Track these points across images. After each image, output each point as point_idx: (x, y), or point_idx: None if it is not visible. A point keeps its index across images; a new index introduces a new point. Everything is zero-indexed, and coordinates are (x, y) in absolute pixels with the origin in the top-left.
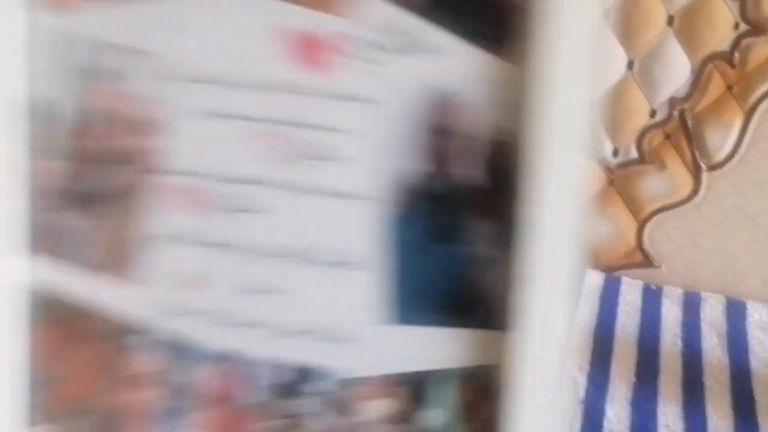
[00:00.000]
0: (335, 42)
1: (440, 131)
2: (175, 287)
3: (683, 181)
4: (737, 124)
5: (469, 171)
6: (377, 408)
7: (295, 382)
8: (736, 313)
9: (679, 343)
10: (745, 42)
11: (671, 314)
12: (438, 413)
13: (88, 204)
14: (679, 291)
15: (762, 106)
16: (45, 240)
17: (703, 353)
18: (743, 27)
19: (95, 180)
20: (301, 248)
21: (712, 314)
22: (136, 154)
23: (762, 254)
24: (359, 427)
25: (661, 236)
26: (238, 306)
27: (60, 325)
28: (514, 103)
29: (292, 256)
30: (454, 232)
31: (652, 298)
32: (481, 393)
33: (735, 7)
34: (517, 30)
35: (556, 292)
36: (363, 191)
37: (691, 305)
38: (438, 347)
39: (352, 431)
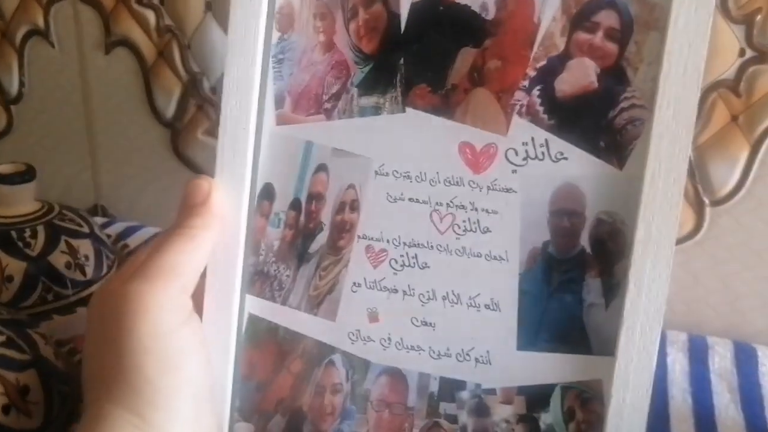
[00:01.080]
0: (492, 151)
1: (562, 213)
2: (358, 321)
3: (685, 216)
4: (743, 156)
5: (582, 241)
6: (506, 411)
7: (446, 391)
8: (746, 361)
9: (689, 399)
10: (751, 69)
11: (678, 365)
12: (552, 416)
13: (296, 259)
14: (684, 336)
15: None
16: (263, 283)
17: (716, 411)
18: (749, 53)
19: (304, 242)
20: (454, 294)
21: (722, 364)
22: (338, 224)
23: None
24: (492, 426)
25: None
26: (404, 335)
27: (271, 346)
28: (617, 194)
29: (447, 300)
30: (570, 284)
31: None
32: (585, 402)
33: (740, 32)
34: (622, 144)
35: (647, 330)
36: (504, 254)
37: (698, 353)
38: (554, 367)
39: (486, 429)
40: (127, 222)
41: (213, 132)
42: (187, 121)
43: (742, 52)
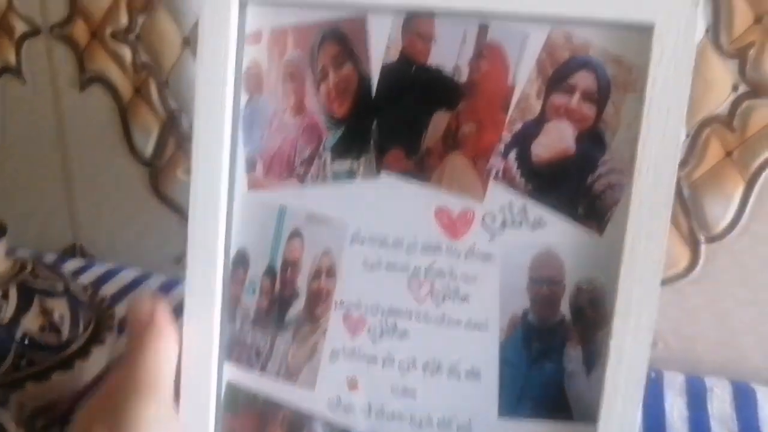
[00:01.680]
0: (469, 216)
1: (542, 280)
2: (338, 389)
3: (680, 254)
4: (738, 192)
5: (562, 309)
6: None
7: None
8: (745, 404)
9: None
10: (744, 104)
11: (676, 410)
12: None
13: (273, 327)
14: (681, 378)
15: (765, 174)
16: (241, 351)
17: None
18: (743, 88)
19: (281, 310)
20: (434, 362)
21: (721, 408)
22: (315, 292)
23: (766, 330)
24: None
25: (657, 313)
26: (385, 403)
27: (251, 414)
28: (597, 261)
29: (427, 368)
30: (550, 353)
31: (653, 388)
32: None
33: (733, 66)
34: (601, 209)
35: (629, 398)
36: (484, 321)
37: (697, 397)
38: None
39: None
40: (106, 264)
41: None
42: (166, 160)
43: (735, 87)
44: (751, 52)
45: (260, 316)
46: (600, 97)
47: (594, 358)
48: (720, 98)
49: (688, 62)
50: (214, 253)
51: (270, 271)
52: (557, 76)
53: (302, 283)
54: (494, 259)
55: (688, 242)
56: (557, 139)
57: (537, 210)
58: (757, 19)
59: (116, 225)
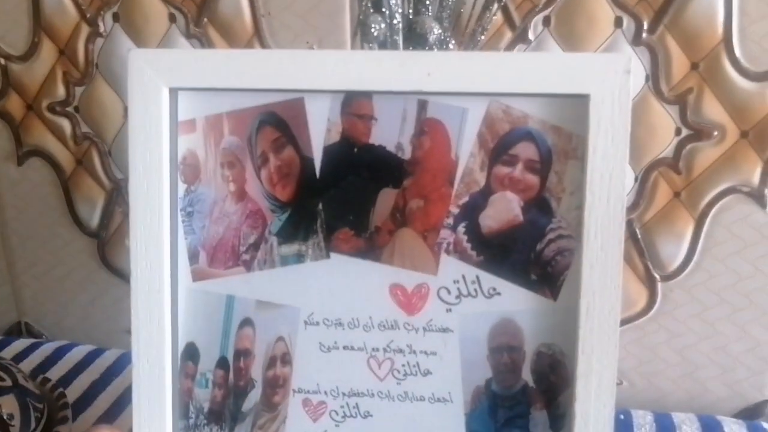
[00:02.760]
0: (424, 291)
1: (502, 349)
2: None
3: (637, 293)
4: (689, 231)
5: (524, 375)
6: None
7: None
8: None
9: None
10: (688, 147)
11: None
12: None
13: (230, 420)
14: (650, 418)
15: (713, 211)
16: None
17: None
18: (685, 131)
19: (236, 401)
20: None
21: None
22: (271, 380)
23: (726, 362)
24: None
25: (619, 352)
26: None
27: None
28: (554, 326)
29: None
30: (516, 420)
31: (624, 430)
32: None
33: (675, 111)
34: (553, 275)
35: None
36: (447, 395)
37: None
38: None
39: None
40: (55, 342)
41: None
42: (113, 230)
43: (678, 131)
44: (690, 97)
45: (215, 408)
46: (542, 166)
47: (560, 422)
48: (664, 142)
49: (625, 128)
50: (161, 351)
51: (222, 362)
52: (499, 148)
53: (257, 371)
54: (453, 332)
55: (645, 282)
56: (504, 210)
57: (491, 280)
58: (694, 66)
59: (64, 299)
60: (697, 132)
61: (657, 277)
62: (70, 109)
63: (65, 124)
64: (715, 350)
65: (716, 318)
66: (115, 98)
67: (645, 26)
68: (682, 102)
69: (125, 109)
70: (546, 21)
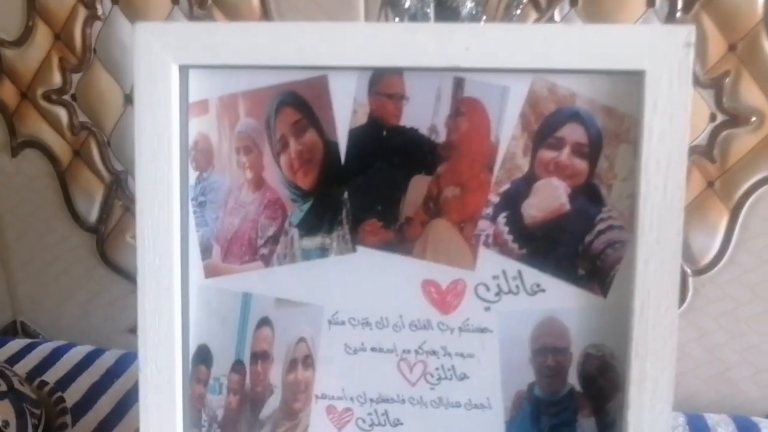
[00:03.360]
0: (460, 288)
1: (546, 351)
2: None
3: None
4: (722, 223)
5: (570, 379)
6: None
7: None
8: None
9: None
10: (723, 134)
11: None
12: None
13: (242, 429)
14: (682, 420)
15: (748, 202)
16: None
17: None
18: (720, 117)
19: (254, 409)
20: None
21: None
22: (291, 385)
23: (759, 361)
24: None
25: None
26: None
27: None
28: (603, 325)
29: None
30: (561, 428)
31: None
32: None
33: (709, 96)
34: (603, 269)
35: None
36: (486, 401)
37: None
38: None
39: None
40: (52, 342)
41: None
42: (113, 225)
43: (713, 117)
44: (727, 81)
45: (230, 416)
46: (591, 150)
47: (609, 430)
48: (698, 129)
49: (684, 108)
50: (171, 354)
51: (238, 366)
52: (543, 130)
53: (276, 376)
54: (492, 332)
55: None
56: (549, 198)
57: (534, 275)
58: (731, 47)
59: (61, 297)
60: (733, 118)
61: (688, 271)
62: (66, 97)
63: (62, 113)
64: (748, 349)
65: (750, 315)
66: (114, 85)
67: (679, 5)
68: (718, 86)
69: (125, 97)
70: (573, 0)
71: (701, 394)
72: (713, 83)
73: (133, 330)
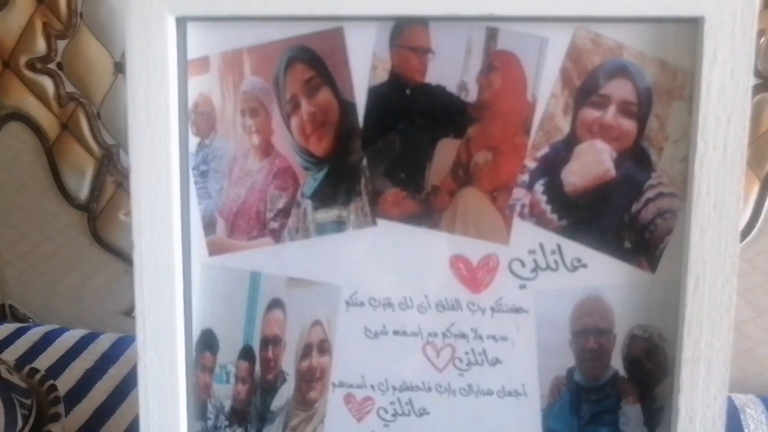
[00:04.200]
0: (492, 264)
1: (587, 332)
2: None
3: None
4: (753, 193)
5: (614, 363)
6: None
7: None
8: None
9: None
10: (756, 98)
11: None
12: None
13: (257, 420)
14: None
15: None
16: None
17: None
18: (754, 80)
19: (264, 398)
20: None
21: (759, 430)
22: (306, 372)
23: None
24: None
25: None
26: None
27: None
28: (650, 304)
29: None
30: (604, 416)
31: None
32: None
33: None
34: (651, 242)
35: None
36: (521, 388)
37: (731, 420)
38: None
39: None
40: (44, 326)
41: None
42: (105, 202)
43: None
44: (762, 40)
45: (238, 407)
46: (640, 108)
47: (657, 418)
48: None
49: (748, 60)
50: (172, 339)
51: (246, 352)
52: (586, 86)
53: (289, 363)
54: (527, 313)
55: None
56: (592, 163)
57: (575, 249)
58: (767, 3)
59: (51, 279)
60: (766, 81)
61: None
62: (52, 65)
63: (47, 83)
64: None
65: None
66: (103, 53)
67: None
68: None
69: (116, 65)
70: None
71: None
72: None
73: (128, 313)
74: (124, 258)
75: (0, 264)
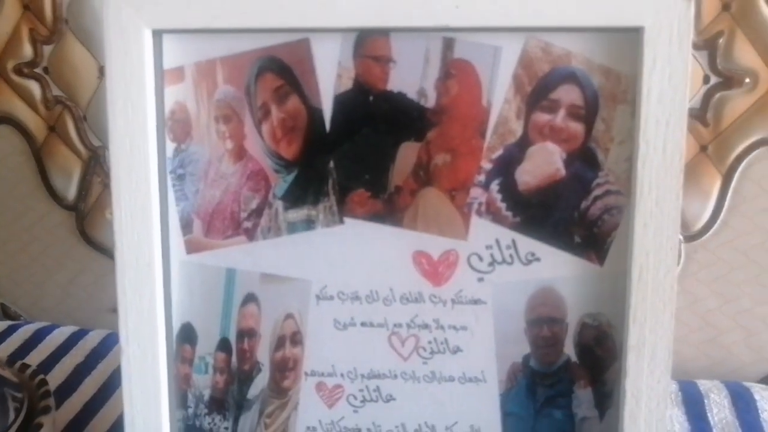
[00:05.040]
0: (452, 258)
1: (541, 321)
2: None
3: None
4: (715, 187)
5: (566, 350)
6: None
7: None
8: (745, 409)
9: None
10: (717, 96)
11: (676, 423)
12: None
13: (234, 408)
14: (675, 386)
15: (741, 166)
16: None
17: None
18: (714, 79)
19: (241, 387)
20: (428, 426)
21: (721, 415)
22: (280, 362)
23: (752, 325)
24: None
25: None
26: None
27: None
28: (599, 294)
29: None
30: (558, 399)
31: None
32: None
33: (703, 57)
34: (599, 236)
35: None
36: (480, 374)
37: (694, 406)
38: None
39: None
40: (34, 323)
41: None
42: (92, 202)
43: (706, 79)
44: (721, 41)
45: (217, 396)
46: (587, 112)
47: (607, 400)
48: (691, 91)
49: (685, 66)
50: (154, 333)
51: (223, 344)
52: (537, 92)
53: (263, 353)
54: (485, 304)
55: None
56: (544, 163)
57: (529, 244)
58: (725, 6)
59: (42, 278)
60: (727, 79)
61: (680, 238)
62: (38, 70)
63: (34, 88)
64: (741, 313)
65: (742, 279)
66: (88, 57)
67: None
68: (712, 47)
69: (100, 70)
70: None
71: (693, 360)
72: (707, 44)
73: (116, 309)
74: (112, 256)
75: None
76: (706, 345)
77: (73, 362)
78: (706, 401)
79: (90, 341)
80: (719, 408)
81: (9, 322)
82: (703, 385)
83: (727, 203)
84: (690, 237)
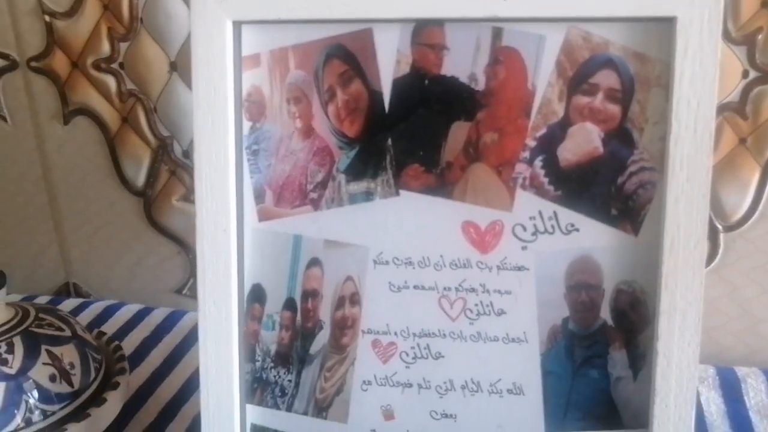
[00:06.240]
0: (498, 228)
1: (580, 287)
2: (373, 420)
3: None
4: (754, 179)
5: (603, 314)
6: None
7: None
8: None
9: None
10: (755, 90)
11: (713, 405)
12: None
13: (297, 362)
14: (712, 371)
15: None
16: (264, 391)
17: None
18: (753, 74)
19: (304, 343)
20: (473, 382)
21: (758, 398)
22: (339, 321)
23: None
24: None
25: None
26: (424, 430)
27: None
28: (634, 263)
29: (466, 389)
30: (594, 359)
31: None
32: None
33: (742, 52)
34: (634, 209)
35: (681, 401)
36: (522, 335)
37: (731, 389)
38: None
39: None
40: (104, 301)
41: (189, 197)
42: (159, 189)
43: (745, 74)
44: (760, 37)
45: (282, 351)
46: (624, 95)
47: (640, 361)
48: (730, 86)
49: (714, 53)
50: (228, 292)
51: (289, 304)
52: (578, 77)
53: (325, 312)
54: (528, 270)
55: (707, 232)
56: (584, 142)
57: (568, 215)
58: (764, 4)
59: (111, 259)
60: (765, 74)
61: (719, 227)
62: (115, 65)
63: (110, 81)
64: None
65: None
66: (160, 53)
67: None
68: (751, 42)
69: (171, 65)
70: None
71: (732, 348)
72: (745, 39)
73: (178, 291)
74: (176, 240)
75: (66, 246)
76: (744, 333)
77: (141, 336)
78: (743, 385)
79: (155, 317)
80: (756, 392)
81: (81, 300)
82: (741, 371)
83: (765, 194)
84: (729, 227)
